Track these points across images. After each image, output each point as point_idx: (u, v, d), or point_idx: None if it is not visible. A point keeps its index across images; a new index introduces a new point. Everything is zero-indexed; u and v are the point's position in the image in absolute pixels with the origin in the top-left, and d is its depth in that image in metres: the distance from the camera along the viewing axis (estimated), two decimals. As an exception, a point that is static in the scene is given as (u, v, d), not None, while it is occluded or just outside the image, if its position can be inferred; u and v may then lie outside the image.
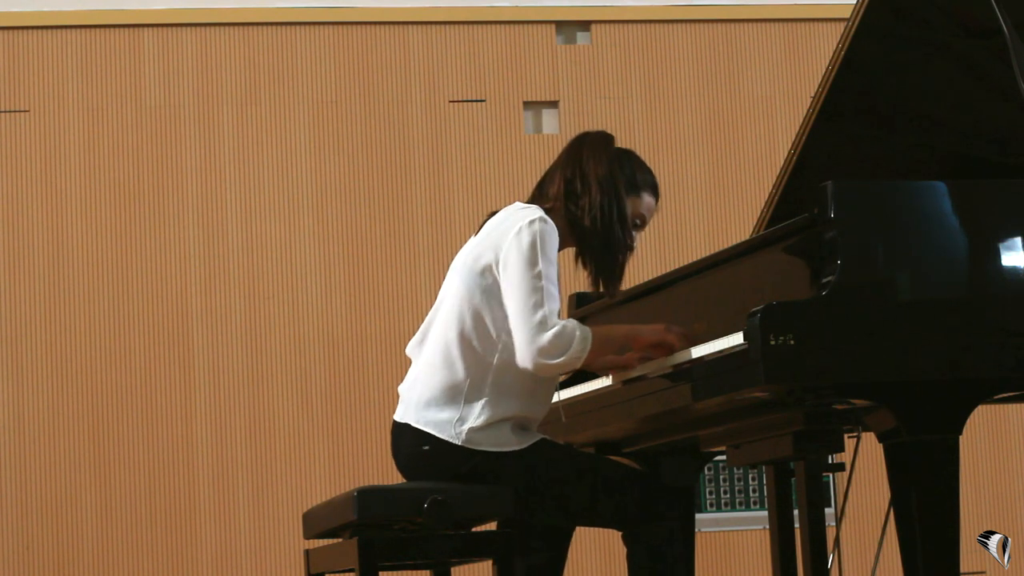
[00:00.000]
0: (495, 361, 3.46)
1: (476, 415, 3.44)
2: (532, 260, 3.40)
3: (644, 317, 3.72)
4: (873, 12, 3.67)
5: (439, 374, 3.48)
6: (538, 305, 3.37)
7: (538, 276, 3.39)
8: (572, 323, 3.39)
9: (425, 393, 3.49)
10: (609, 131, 3.68)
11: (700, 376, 3.24)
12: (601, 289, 3.57)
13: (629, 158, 3.62)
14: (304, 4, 6.17)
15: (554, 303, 3.40)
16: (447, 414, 3.45)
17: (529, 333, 3.36)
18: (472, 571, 4.32)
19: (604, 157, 3.57)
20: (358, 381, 6.00)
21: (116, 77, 6.06)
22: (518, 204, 3.58)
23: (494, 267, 3.46)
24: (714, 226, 6.25)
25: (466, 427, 3.43)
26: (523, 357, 3.39)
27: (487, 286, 3.47)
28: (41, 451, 5.83)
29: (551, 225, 3.46)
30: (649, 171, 3.64)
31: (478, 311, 3.47)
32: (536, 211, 3.48)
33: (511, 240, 3.44)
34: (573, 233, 3.55)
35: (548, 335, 3.35)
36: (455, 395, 3.46)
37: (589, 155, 3.58)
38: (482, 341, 3.46)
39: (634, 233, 3.59)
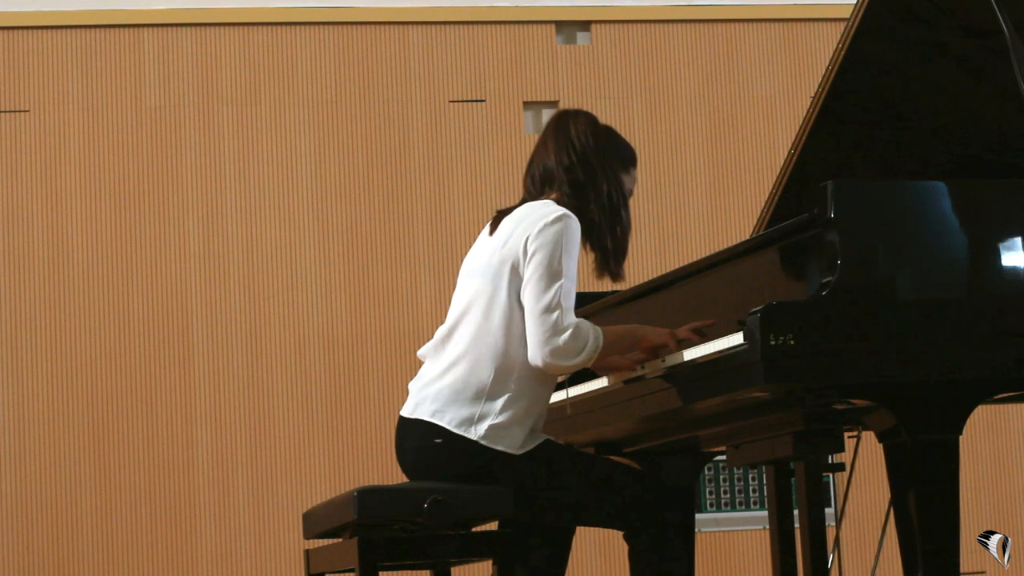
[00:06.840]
0: (519, 359, 3.44)
1: (497, 412, 3.43)
2: (554, 257, 3.40)
3: (644, 317, 3.71)
4: (873, 12, 3.67)
5: (464, 372, 3.46)
6: (555, 306, 3.37)
7: (557, 274, 3.39)
8: (586, 324, 3.39)
9: (445, 390, 3.47)
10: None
11: (700, 376, 3.24)
12: (611, 272, 3.54)
13: (612, 136, 3.62)
14: (304, 4, 6.17)
15: (570, 301, 3.40)
16: (467, 411, 3.44)
17: (544, 333, 3.36)
18: (472, 571, 4.32)
19: (601, 140, 3.57)
20: (358, 381, 6.00)
21: (116, 77, 6.06)
22: (542, 201, 3.54)
23: (520, 267, 3.44)
24: (714, 226, 6.25)
25: (486, 424, 3.42)
26: (535, 355, 3.39)
27: (512, 286, 3.45)
28: (41, 451, 5.82)
29: (575, 221, 3.45)
30: (627, 143, 3.65)
31: (505, 310, 3.45)
32: (558, 208, 3.46)
33: (534, 237, 3.42)
34: (582, 221, 3.52)
35: (564, 336, 3.36)
36: (478, 392, 3.44)
37: (584, 140, 3.56)
38: (508, 340, 3.45)
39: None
